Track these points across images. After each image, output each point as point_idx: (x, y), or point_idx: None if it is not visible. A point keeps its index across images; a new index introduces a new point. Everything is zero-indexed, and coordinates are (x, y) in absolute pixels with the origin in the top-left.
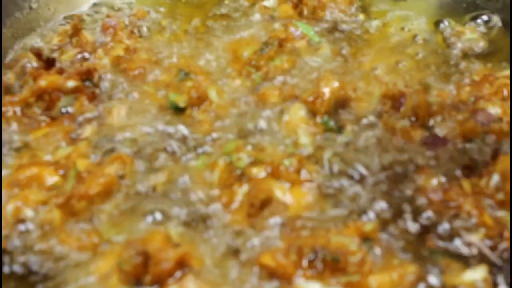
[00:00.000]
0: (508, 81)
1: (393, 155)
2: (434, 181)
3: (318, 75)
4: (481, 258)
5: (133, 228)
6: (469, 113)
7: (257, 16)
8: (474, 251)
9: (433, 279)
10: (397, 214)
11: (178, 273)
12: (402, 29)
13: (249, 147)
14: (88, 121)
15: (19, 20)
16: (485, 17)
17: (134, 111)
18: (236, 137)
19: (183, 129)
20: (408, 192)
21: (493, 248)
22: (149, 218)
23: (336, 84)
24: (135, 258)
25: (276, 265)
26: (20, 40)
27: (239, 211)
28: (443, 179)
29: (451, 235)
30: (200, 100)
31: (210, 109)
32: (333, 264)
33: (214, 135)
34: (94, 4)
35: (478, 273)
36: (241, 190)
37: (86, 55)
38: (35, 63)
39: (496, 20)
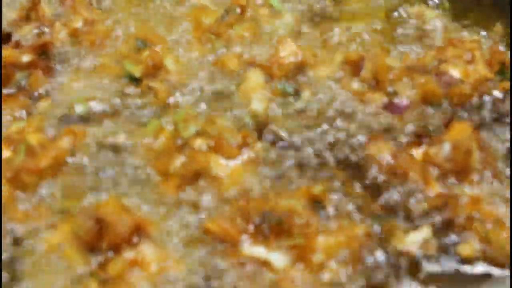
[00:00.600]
0: (474, 45)
1: (347, 121)
2: (385, 149)
3: (277, 40)
4: (427, 221)
5: (83, 199)
6: (431, 76)
7: None
8: (419, 215)
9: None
10: (348, 180)
11: (134, 240)
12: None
13: (200, 117)
14: (43, 95)
15: None
16: None
17: (90, 83)
18: (191, 105)
19: (138, 99)
20: (359, 158)
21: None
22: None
23: (294, 48)
24: (90, 225)
25: (221, 231)
26: None
27: (170, 181)
28: (395, 147)
29: (398, 202)
30: (156, 68)
31: (166, 78)
32: (278, 228)
33: (169, 103)
34: None
35: (421, 234)
36: (178, 160)
37: (44, 29)
38: None
39: None
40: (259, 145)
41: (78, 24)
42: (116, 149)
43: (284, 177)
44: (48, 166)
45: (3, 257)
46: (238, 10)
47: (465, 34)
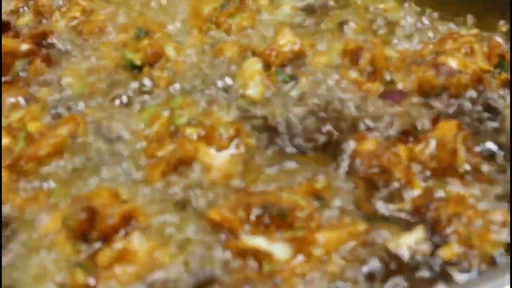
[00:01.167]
0: (472, 39)
1: (343, 110)
2: (372, 144)
3: (275, 29)
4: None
5: (81, 187)
6: (429, 66)
7: None
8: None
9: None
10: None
11: (124, 229)
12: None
13: (197, 106)
14: (43, 83)
15: None
16: None
17: (90, 71)
18: (190, 93)
19: (137, 87)
20: (346, 155)
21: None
22: (96, 178)
23: (292, 37)
24: (80, 214)
25: (222, 220)
26: None
27: (155, 167)
28: (382, 142)
29: (386, 200)
30: (157, 57)
31: (167, 66)
32: (279, 220)
33: (169, 91)
34: None
35: (414, 236)
36: (168, 147)
37: (43, 18)
38: None
39: None
40: (251, 140)
41: (77, 13)
42: (113, 136)
43: (281, 170)
44: (47, 154)
45: None
46: (238, 0)
47: (463, 27)
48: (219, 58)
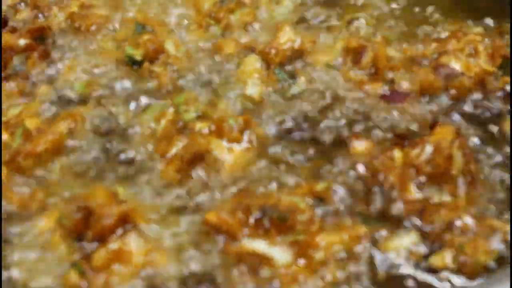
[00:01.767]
0: (477, 38)
1: (342, 110)
2: (367, 147)
3: (275, 26)
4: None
5: (79, 185)
6: (431, 68)
7: None
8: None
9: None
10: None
11: (120, 230)
12: None
13: (201, 100)
14: (41, 79)
15: None
16: None
17: (89, 67)
18: (191, 89)
19: (139, 83)
20: (342, 159)
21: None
22: (92, 172)
23: (292, 34)
24: (75, 213)
25: (221, 223)
26: None
27: (170, 164)
28: (376, 147)
29: (381, 204)
30: (157, 52)
31: (167, 61)
32: (280, 223)
33: (170, 87)
34: None
35: (407, 240)
36: (179, 143)
37: (41, 13)
38: None
39: None
40: (260, 130)
41: (75, 8)
42: (115, 134)
43: (286, 165)
44: (45, 150)
45: None
46: None
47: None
48: (218, 54)
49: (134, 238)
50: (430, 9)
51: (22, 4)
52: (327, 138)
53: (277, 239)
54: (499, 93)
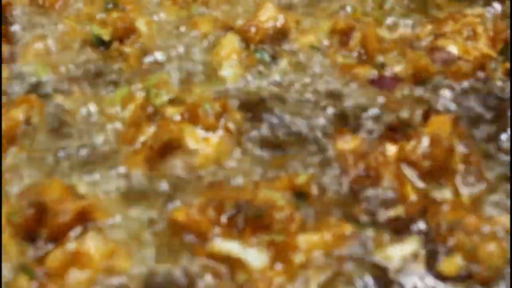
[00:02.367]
0: (476, 20)
1: (328, 98)
2: (355, 143)
3: (256, 3)
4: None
5: (34, 176)
6: (425, 51)
7: None
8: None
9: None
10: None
11: (78, 229)
12: None
13: (173, 83)
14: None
15: None
16: None
17: (53, 48)
18: (163, 71)
19: (107, 64)
20: (329, 154)
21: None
22: (50, 159)
23: (274, 12)
24: (27, 209)
25: (189, 221)
26: None
27: (137, 154)
28: (366, 141)
29: (375, 206)
30: (128, 32)
31: (138, 41)
32: (255, 221)
33: (143, 68)
34: None
35: (408, 247)
36: (148, 130)
37: None
38: None
39: None
40: (238, 116)
41: None
42: (78, 119)
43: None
44: None
45: None
46: None
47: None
48: (194, 33)
49: (93, 237)
50: None
51: None
52: (309, 129)
53: (252, 239)
54: (499, 81)
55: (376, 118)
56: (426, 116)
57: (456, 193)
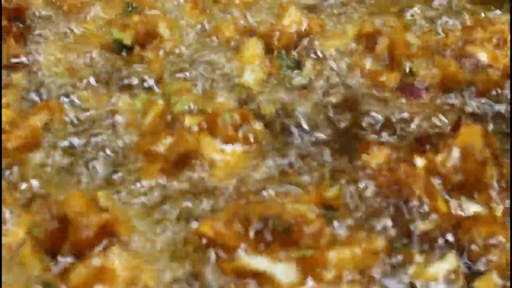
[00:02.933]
0: (505, 27)
1: (352, 106)
2: (381, 156)
3: (280, 7)
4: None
5: (58, 185)
6: (454, 58)
7: None
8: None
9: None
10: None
11: (102, 243)
12: None
13: (197, 90)
14: (18, 66)
15: None
16: None
17: (71, 52)
18: (186, 78)
19: (128, 70)
20: (354, 165)
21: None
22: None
23: (298, 16)
24: (49, 223)
25: (215, 236)
26: None
27: (153, 164)
28: (393, 154)
29: (406, 221)
30: (150, 36)
31: (161, 46)
32: (284, 236)
33: (165, 75)
34: None
35: (446, 264)
36: (165, 140)
37: None
38: None
39: None
40: (259, 126)
41: None
42: (98, 128)
43: (290, 168)
44: (18, 147)
45: None
46: None
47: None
48: (216, 38)
49: (117, 252)
50: None
51: None
52: (335, 140)
53: (281, 254)
54: None
55: (404, 128)
56: (455, 126)
57: (489, 207)
